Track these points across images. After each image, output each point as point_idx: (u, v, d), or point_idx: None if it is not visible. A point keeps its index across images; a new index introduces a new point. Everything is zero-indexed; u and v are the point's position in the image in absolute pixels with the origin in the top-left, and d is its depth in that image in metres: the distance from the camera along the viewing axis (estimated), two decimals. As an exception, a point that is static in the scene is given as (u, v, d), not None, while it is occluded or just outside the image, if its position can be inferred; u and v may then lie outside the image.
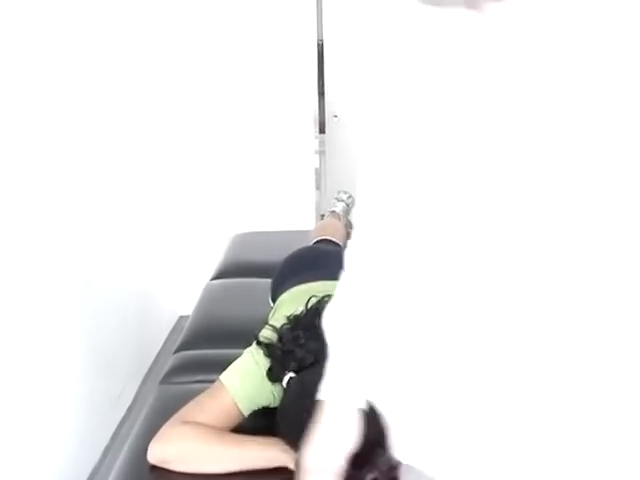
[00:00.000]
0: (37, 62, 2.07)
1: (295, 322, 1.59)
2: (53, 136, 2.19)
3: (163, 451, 1.45)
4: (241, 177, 3.60)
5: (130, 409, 2.76)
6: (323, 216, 3.40)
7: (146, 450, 1.46)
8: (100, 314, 2.50)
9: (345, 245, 2.90)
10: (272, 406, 1.55)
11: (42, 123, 2.12)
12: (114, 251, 2.72)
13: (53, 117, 2.18)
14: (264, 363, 1.54)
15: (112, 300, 2.66)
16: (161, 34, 3.36)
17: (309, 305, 1.65)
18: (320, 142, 3.75)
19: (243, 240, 3.02)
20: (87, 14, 2.44)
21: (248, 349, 1.61)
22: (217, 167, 3.60)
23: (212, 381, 1.60)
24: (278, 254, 2.34)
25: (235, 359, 1.62)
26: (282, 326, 1.59)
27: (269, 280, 2.21)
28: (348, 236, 2.80)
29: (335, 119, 3.66)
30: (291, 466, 1.38)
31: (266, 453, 1.41)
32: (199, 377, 1.88)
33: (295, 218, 3.57)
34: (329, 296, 1.69)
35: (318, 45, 3.50)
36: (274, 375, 1.51)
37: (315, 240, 2.61)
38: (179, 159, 3.57)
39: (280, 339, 1.55)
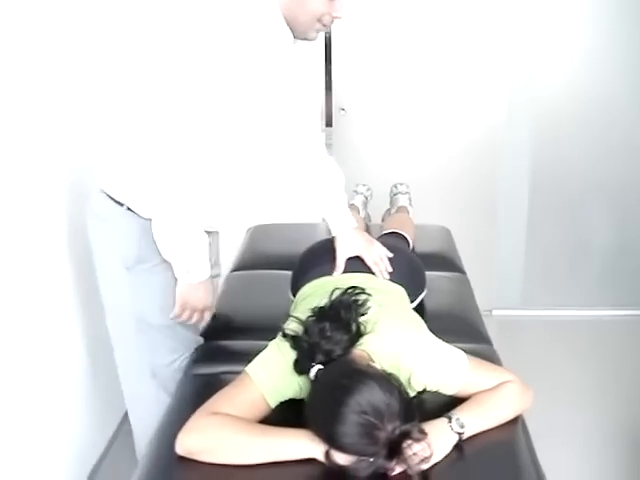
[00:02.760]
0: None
1: (320, 314, 1.58)
2: (58, 133, 2.21)
3: (191, 442, 1.45)
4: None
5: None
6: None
7: (173, 441, 1.47)
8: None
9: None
10: (299, 398, 1.55)
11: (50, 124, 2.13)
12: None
13: (56, 116, 2.19)
14: (290, 355, 1.54)
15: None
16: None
17: (333, 297, 1.65)
18: (327, 135, 3.75)
19: (261, 232, 3.02)
20: (88, 13, 2.43)
21: (273, 341, 1.62)
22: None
23: (235, 372, 1.60)
24: (296, 246, 2.35)
25: (257, 351, 1.62)
26: (307, 318, 1.59)
27: (288, 272, 2.22)
28: (367, 229, 2.80)
29: (342, 112, 3.65)
30: (319, 457, 1.39)
31: (294, 444, 1.41)
32: (223, 368, 1.88)
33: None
34: (353, 288, 1.70)
35: (325, 38, 3.49)
36: (301, 367, 1.51)
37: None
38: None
39: (306, 331, 1.54)
